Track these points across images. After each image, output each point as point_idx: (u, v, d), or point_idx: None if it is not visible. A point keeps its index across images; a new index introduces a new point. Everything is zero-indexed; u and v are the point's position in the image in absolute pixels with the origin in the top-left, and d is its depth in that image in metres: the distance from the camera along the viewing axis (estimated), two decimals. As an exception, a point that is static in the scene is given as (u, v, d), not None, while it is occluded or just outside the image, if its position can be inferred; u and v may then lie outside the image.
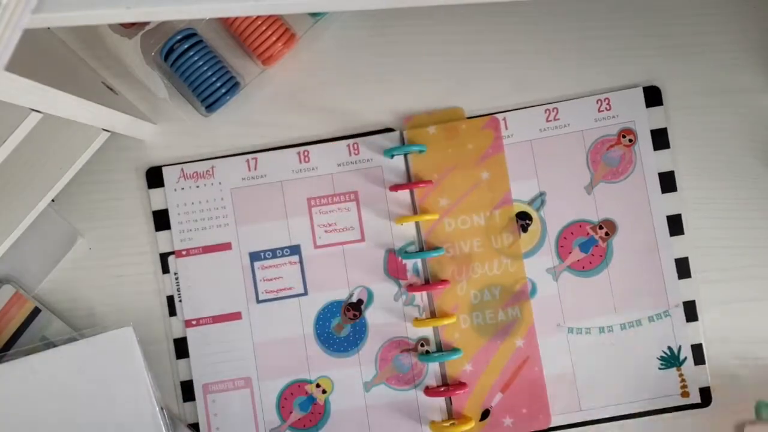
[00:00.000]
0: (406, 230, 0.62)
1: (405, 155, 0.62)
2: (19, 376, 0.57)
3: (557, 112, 0.61)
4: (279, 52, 0.61)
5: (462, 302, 0.61)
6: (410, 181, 0.62)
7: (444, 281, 0.61)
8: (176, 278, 0.61)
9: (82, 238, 0.62)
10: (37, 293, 0.61)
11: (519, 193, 0.61)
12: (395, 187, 0.61)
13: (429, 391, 0.60)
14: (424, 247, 0.61)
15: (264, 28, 0.60)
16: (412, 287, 0.61)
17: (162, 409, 0.58)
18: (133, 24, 0.60)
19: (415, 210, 0.62)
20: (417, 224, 0.62)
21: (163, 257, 0.61)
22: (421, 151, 0.61)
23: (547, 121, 0.61)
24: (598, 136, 0.61)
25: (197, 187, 0.62)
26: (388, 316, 0.61)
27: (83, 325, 0.61)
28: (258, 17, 0.59)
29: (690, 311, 0.61)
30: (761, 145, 0.61)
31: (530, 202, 0.61)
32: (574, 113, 0.61)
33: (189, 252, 0.61)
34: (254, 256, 0.61)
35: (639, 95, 0.61)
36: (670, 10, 0.62)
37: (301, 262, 0.62)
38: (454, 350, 0.60)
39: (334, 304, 0.61)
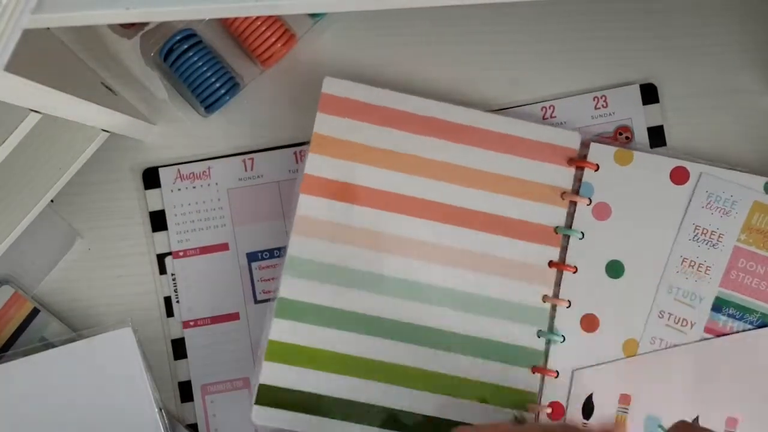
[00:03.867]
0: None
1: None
2: (18, 376, 0.57)
3: (554, 110, 0.62)
4: (278, 53, 0.61)
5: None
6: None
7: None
8: (173, 279, 0.61)
9: (81, 239, 0.62)
10: (36, 294, 0.61)
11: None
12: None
13: None
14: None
15: (263, 28, 0.60)
16: None
17: (161, 410, 0.58)
18: (132, 24, 0.60)
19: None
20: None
21: (160, 258, 0.61)
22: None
23: (543, 118, 0.62)
24: (595, 134, 0.61)
25: (194, 187, 0.62)
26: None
27: (82, 326, 0.61)
28: (257, 18, 0.59)
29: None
30: (758, 146, 0.62)
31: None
32: (570, 111, 0.61)
33: (186, 253, 0.61)
34: (251, 257, 0.61)
35: (636, 92, 0.62)
36: (669, 10, 0.62)
37: (298, 261, 0.61)
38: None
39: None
